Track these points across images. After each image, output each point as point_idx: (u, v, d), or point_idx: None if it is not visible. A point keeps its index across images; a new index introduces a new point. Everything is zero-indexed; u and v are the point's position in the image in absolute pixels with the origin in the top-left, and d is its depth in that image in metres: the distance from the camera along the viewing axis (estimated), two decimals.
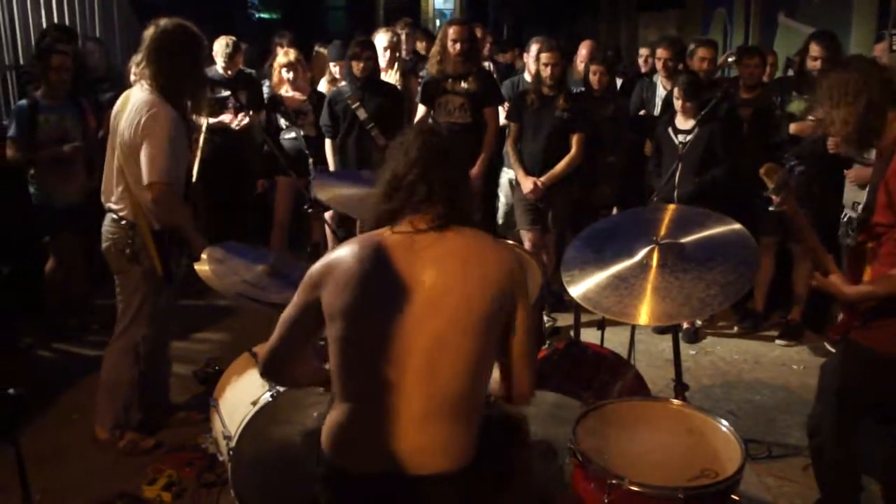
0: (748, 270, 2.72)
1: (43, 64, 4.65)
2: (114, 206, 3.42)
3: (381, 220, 2.02)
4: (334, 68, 5.76)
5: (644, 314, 2.64)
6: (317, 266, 2.01)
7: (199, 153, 3.84)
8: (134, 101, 3.32)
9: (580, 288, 2.78)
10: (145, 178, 3.25)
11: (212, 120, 5.38)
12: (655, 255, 2.76)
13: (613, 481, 2.15)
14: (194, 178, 3.75)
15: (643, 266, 2.75)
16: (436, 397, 1.90)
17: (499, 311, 1.93)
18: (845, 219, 4.34)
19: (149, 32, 3.34)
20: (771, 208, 2.76)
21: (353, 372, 1.97)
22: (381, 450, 1.91)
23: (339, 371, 1.98)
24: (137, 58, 3.38)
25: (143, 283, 3.47)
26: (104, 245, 3.50)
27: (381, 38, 5.70)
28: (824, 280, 2.67)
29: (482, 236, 2.02)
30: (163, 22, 3.34)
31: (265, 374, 2.20)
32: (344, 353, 1.96)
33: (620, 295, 2.70)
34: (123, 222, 3.40)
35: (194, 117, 3.57)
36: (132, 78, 3.40)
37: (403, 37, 6.44)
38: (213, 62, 5.57)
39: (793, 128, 4.75)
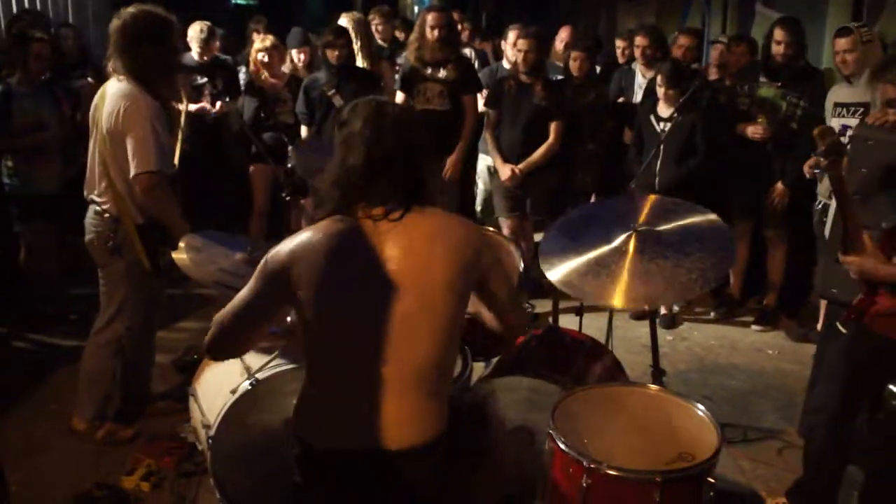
0: (726, 256, 2.74)
1: (21, 51, 4.57)
2: (97, 199, 3.38)
3: (338, 210, 2.00)
4: (298, 56, 5.72)
5: (625, 296, 2.67)
6: (278, 253, 1.98)
7: (179, 140, 3.81)
8: (112, 93, 3.27)
9: (559, 273, 2.80)
10: (133, 170, 3.21)
11: (191, 107, 5.34)
12: (633, 242, 2.78)
13: (591, 466, 2.17)
14: (177, 166, 3.73)
15: (621, 251, 2.78)
16: (405, 371, 1.93)
17: (465, 284, 1.97)
18: (819, 206, 4.38)
19: (114, 24, 3.28)
20: (816, 170, 2.75)
21: (326, 352, 2.00)
22: (351, 425, 1.95)
23: (312, 351, 2.01)
24: (109, 51, 3.33)
25: (126, 277, 3.43)
26: (87, 237, 3.46)
27: (343, 22, 5.66)
28: (853, 258, 2.65)
29: (443, 214, 2.05)
30: (126, 12, 3.28)
31: (209, 352, 2.11)
32: (316, 335, 1.99)
33: (602, 280, 2.73)
34: (107, 216, 3.36)
35: (173, 104, 3.52)
36: (109, 70, 3.36)
37: (379, 24, 6.41)
38: (187, 47, 5.52)
39: (749, 131, 4.79)
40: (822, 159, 2.65)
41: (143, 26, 3.27)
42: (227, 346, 2.11)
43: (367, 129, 1.97)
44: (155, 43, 3.29)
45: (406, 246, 1.94)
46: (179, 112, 4.08)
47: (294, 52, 5.78)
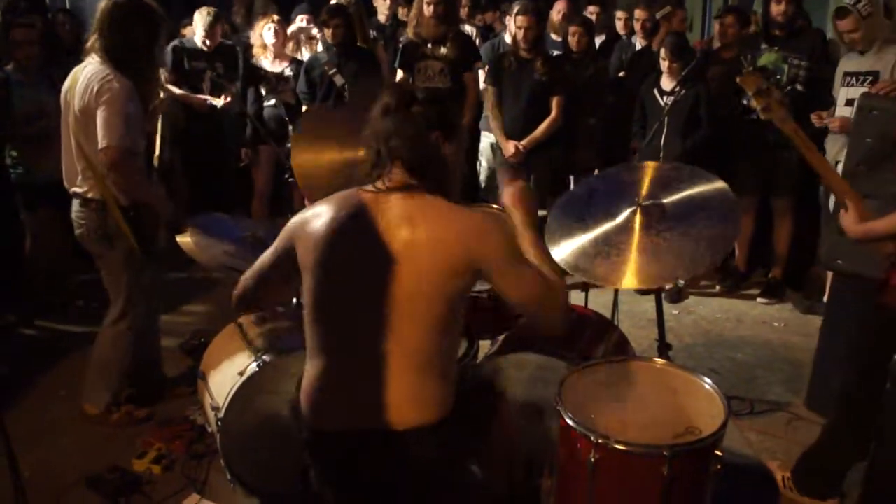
0: (731, 222, 2.72)
1: (8, 39, 4.55)
2: (79, 190, 3.33)
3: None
4: (302, 20, 5.77)
5: (636, 277, 2.64)
6: (292, 221, 2.09)
7: (158, 128, 3.73)
8: (86, 73, 3.23)
9: (567, 255, 2.79)
10: (100, 143, 3.14)
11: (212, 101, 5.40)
12: (638, 217, 2.76)
13: (599, 441, 2.18)
14: (157, 153, 3.68)
15: (627, 228, 2.76)
16: (404, 352, 1.93)
17: (463, 272, 1.93)
18: None
19: (103, 5, 3.24)
20: (753, 116, 2.70)
21: (325, 329, 2.01)
22: (356, 405, 1.96)
23: (312, 329, 2.02)
24: (91, 30, 3.29)
25: (126, 264, 3.40)
26: (77, 232, 3.41)
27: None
28: (843, 213, 2.57)
29: (446, 202, 2.01)
30: None
31: (236, 303, 2.28)
32: (315, 310, 2.00)
33: (611, 262, 2.71)
34: (93, 204, 3.31)
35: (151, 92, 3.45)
36: (87, 48, 3.31)
37: (382, 1, 6.37)
38: (176, 36, 5.53)
39: (754, 103, 4.71)
40: (755, 104, 2.59)
41: (134, 15, 3.24)
42: (248, 301, 2.26)
43: (376, 123, 2.03)
44: (142, 33, 3.26)
45: (405, 227, 1.93)
46: (157, 103, 3.99)
47: (300, 18, 5.77)
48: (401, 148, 1.99)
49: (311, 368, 2.04)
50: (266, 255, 2.15)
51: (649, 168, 3.03)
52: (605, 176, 3.18)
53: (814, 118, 4.23)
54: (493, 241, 1.96)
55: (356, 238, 1.96)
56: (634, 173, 3.03)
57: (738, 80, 2.59)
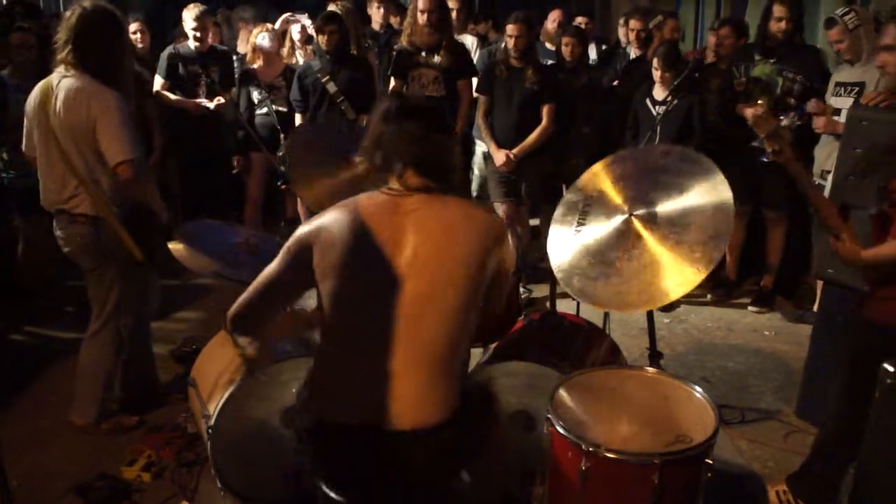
0: (723, 218, 2.74)
1: (5, 43, 4.54)
2: (67, 207, 3.26)
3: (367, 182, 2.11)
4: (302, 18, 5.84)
5: (649, 299, 2.67)
6: (306, 228, 2.07)
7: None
8: (68, 89, 3.15)
9: (567, 276, 2.83)
10: (113, 159, 3.13)
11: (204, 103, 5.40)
12: (633, 228, 2.77)
13: (590, 449, 2.18)
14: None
15: (623, 244, 2.77)
16: (417, 352, 1.95)
17: (478, 274, 1.98)
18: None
19: (71, 16, 3.19)
20: (764, 159, 2.72)
21: (339, 328, 2.03)
22: (362, 401, 1.97)
23: (327, 327, 2.04)
24: (61, 41, 3.20)
25: (119, 276, 3.37)
26: (66, 249, 3.36)
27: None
28: (837, 245, 2.62)
29: (464, 203, 2.07)
30: (86, 4, 3.20)
31: (231, 323, 2.18)
32: (332, 309, 2.02)
33: (612, 284, 2.73)
34: (81, 219, 3.26)
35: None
36: (57, 59, 3.26)
37: (377, 9, 6.39)
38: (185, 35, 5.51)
39: (749, 114, 4.72)
40: (767, 146, 2.63)
41: (107, 25, 3.22)
42: (247, 319, 2.17)
43: (388, 126, 2.06)
44: (109, 40, 3.24)
45: (424, 229, 1.97)
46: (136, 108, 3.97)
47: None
48: (414, 151, 2.02)
49: (323, 363, 2.07)
50: (274, 266, 2.10)
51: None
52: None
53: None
54: (509, 248, 2.07)
55: (374, 242, 1.98)
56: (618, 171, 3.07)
57: (750, 122, 2.62)
